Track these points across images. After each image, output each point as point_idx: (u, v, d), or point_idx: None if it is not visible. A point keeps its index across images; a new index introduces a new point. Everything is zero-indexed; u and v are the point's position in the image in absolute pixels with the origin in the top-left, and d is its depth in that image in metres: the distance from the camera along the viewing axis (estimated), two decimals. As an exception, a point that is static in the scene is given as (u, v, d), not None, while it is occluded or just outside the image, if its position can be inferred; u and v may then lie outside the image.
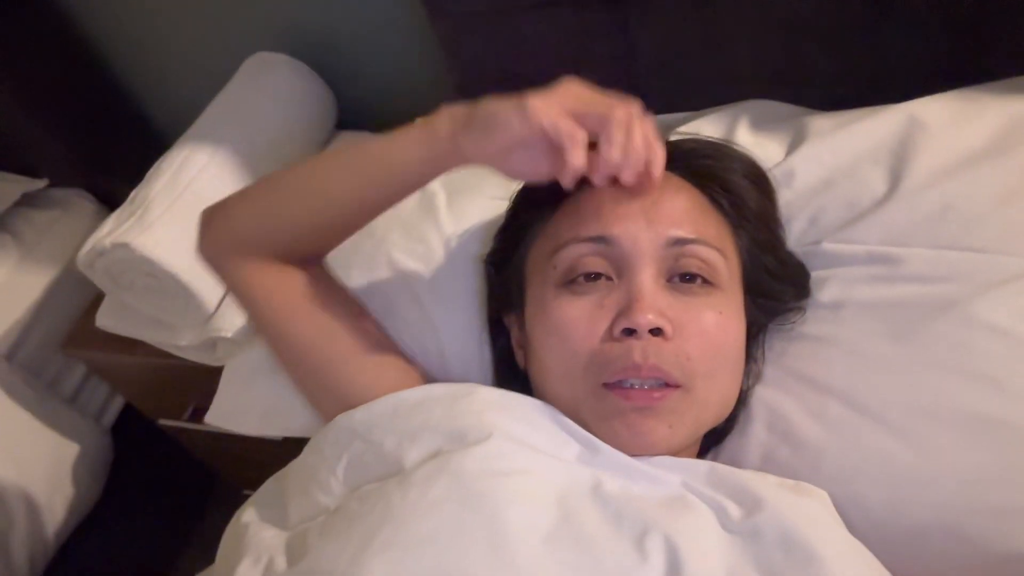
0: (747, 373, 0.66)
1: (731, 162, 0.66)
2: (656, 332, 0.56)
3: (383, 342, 0.73)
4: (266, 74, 1.15)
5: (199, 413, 1.22)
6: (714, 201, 0.64)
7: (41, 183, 1.38)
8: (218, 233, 0.69)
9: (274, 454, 0.85)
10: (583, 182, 0.59)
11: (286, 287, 0.69)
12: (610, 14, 0.88)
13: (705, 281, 0.59)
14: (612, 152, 0.53)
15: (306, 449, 0.65)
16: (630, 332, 0.56)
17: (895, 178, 0.68)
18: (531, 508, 0.50)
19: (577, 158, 0.53)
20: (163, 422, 1.26)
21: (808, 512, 0.54)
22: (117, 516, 1.42)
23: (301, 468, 0.64)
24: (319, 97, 1.17)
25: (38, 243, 1.38)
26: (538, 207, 0.67)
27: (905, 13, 0.78)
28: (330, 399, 0.67)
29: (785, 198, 0.71)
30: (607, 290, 0.59)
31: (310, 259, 0.71)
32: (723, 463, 0.63)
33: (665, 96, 0.87)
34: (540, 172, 0.57)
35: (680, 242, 0.59)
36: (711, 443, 0.67)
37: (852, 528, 0.56)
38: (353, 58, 1.18)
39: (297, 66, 1.15)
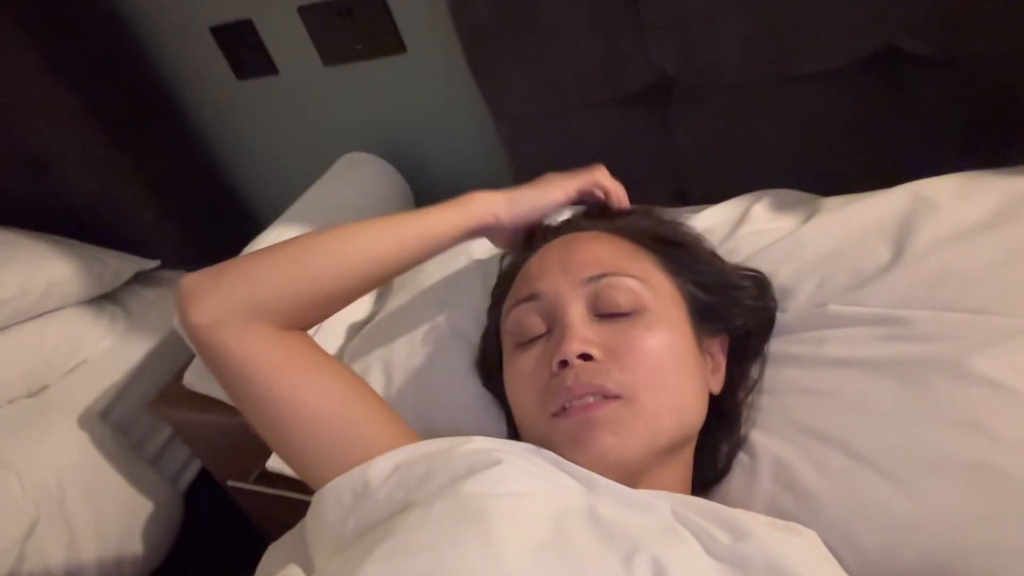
0: (736, 389, 0.71)
1: (652, 213, 0.78)
2: (585, 358, 0.62)
3: (380, 401, 0.71)
4: (353, 169, 1.30)
5: (264, 476, 1.29)
6: (632, 240, 0.72)
7: (153, 263, 1.56)
8: (230, 300, 0.66)
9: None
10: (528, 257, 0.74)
11: (294, 353, 0.68)
12: (653, 114, 0.98)
13: (629, 308, 0.65)
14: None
15: (309, 514, 0.65)
16: (564, 364, 0.62)
17: (899, 247, 0.72)
18: (525, 524, 0.52)
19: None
20: (231, 483, 1.34)
21: (797, 547, 0.56)
22: (179, 577, 1.48)
23: (309, 532, 0.65)
24: (396, 190, 1.31)
25: (143, 316, 1.55)
26: (507, 282, 0.76)
27: (923, 112, 0.84)
28: (329, 459, 0.64)
29: (795, 264, 0.77)
30: (547, 341, 0.66)
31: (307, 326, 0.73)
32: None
33: (705, 187, 0.95)
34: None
35: (593, 279, 0.66)
36: (709, 481, 0.70)
37: (846, 570, 0.57)
38: (427, 156, 1.32)
39: (380, 163, 1.30)
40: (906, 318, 0.67)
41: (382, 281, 0.75)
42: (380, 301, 1.15)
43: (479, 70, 1.01)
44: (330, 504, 0.62)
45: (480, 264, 0.97)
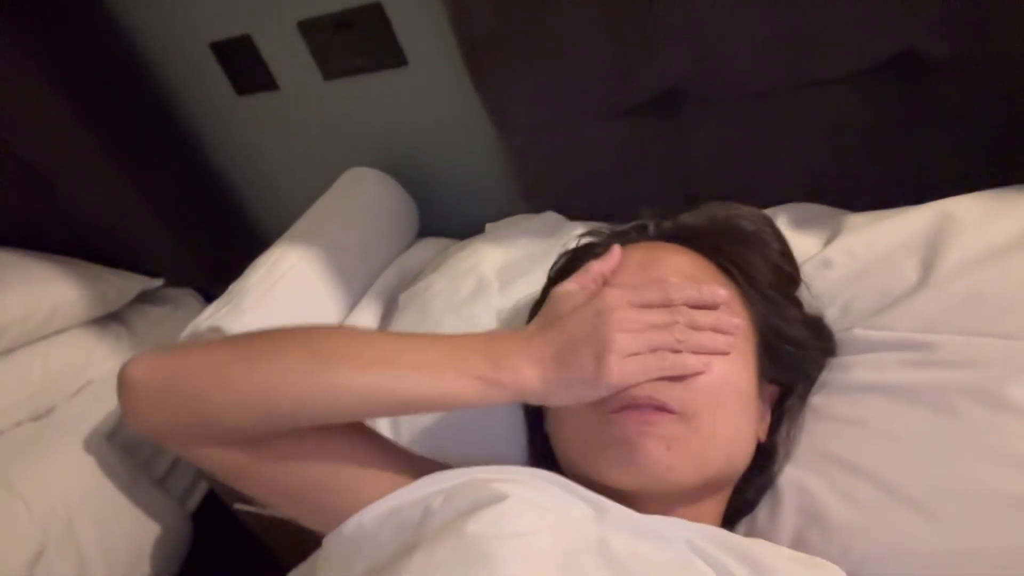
0: (777, 445, 0.67)
1: (745, 240, 0.71)
2: None
3: (369, 443, 0.66)
4: (357, 186, 1.28)
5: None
6: (724, 271, 0.69)
7: (158, 282, 1.55)
8: (175, 423, 0.59)
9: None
10: (600, 255, 0.69)
11: (255, 451, 0.61)
12: (664, 123, 0.95)
13: None
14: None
15: (320, 559, 0.62)
16: None
17: (927, 268, 0.69)
18: (533, 565, 0.50)
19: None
20: (238, 506, 1.32)
21: None
22: (188, 601, 1.47)
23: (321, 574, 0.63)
24: (402, 206, 1.29)
25: (149, 335, 1.53)
26: (564, 276, 0.72)
27: (941, 116, 0.81)
28: (335, 519, 0.61)
29: (819, 287, 0.74)
30: None
31: None
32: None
33: (718, 197, 0.92)
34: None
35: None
36: (736, 514, 0.67)
37: (880, 611, 0.55)
38: (432, 170, 1.30)
39: (384, 179, 1.27)
40: (935, 343, 0.65)
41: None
42: (386, 319, 1.13)
43: (482, 83, 0.99)
44: (334, 551, 0.60)
45: (490, 282, 0.95)
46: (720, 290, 0.61)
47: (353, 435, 0.64)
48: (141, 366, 0.59)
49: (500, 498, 0.54)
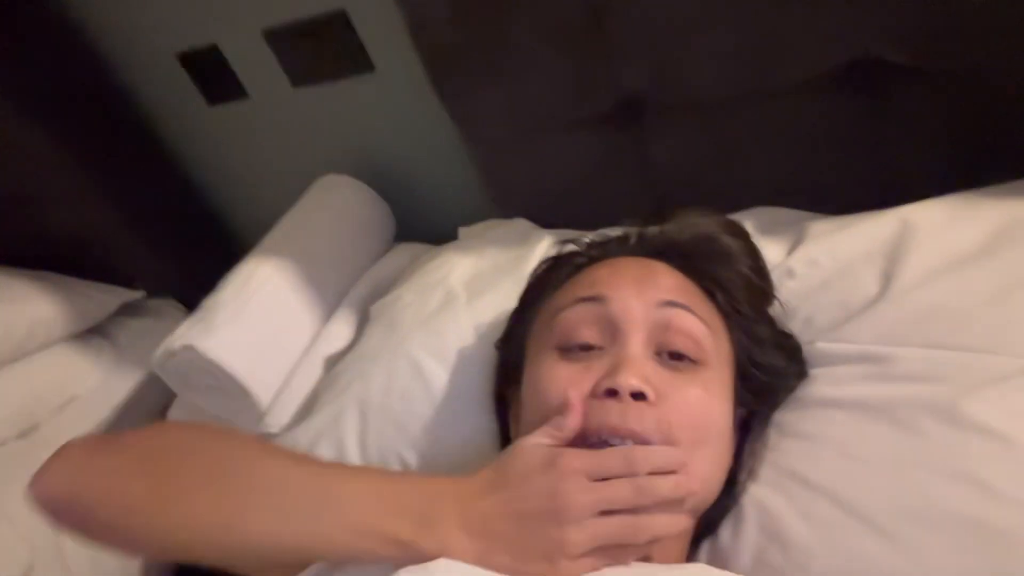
0: (741, 466, 0.66)
1: (726, 259, 0.69)
2: (638, 396, 0.56)
3: None
4: (331, 193, 1.26)
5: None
6: (707, 293, 0.67)
7: (138, 294, 1.54)
8: (93, 529, 0.56)
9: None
10: (583, 265, 0.69)
11: None
12: (628, 133, 0.94)
13: (692, 360, 0.61)
14: None
15: None
16: (612, 393, 0.56)
17: (887, 279, 0.68)
18: None
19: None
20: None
21: None
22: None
23: None
24: (376, 212, 1.28)
25: (131, 347, 1.52)
26: (544, 286, 0.72)
27: (905, 122, 0.80)
28: None
29: (782, 298, 0.73)
30: (597, 357, 0.61)
31: None
32: (716, 563, 0.63)
33: (685, 205, 0.91)
34: None
35: (669, 304, 0.61)
36: (700, 535, 0.66)
37: (838, 633, 0.54)
38: (404, 175, 1.29)
39: (358, 186, 1.26)
40: (893, 356, 0.64)
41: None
42: (359, 330, 1.13)
43: (444, 93, 0.98)
44: None
45: (457, 295, 0.94)
46: (678, 455, 0.55)
47: None
48: (43, 487, 0.55)
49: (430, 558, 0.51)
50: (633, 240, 0.74)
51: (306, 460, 0.61)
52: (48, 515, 0.56)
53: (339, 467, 0.64)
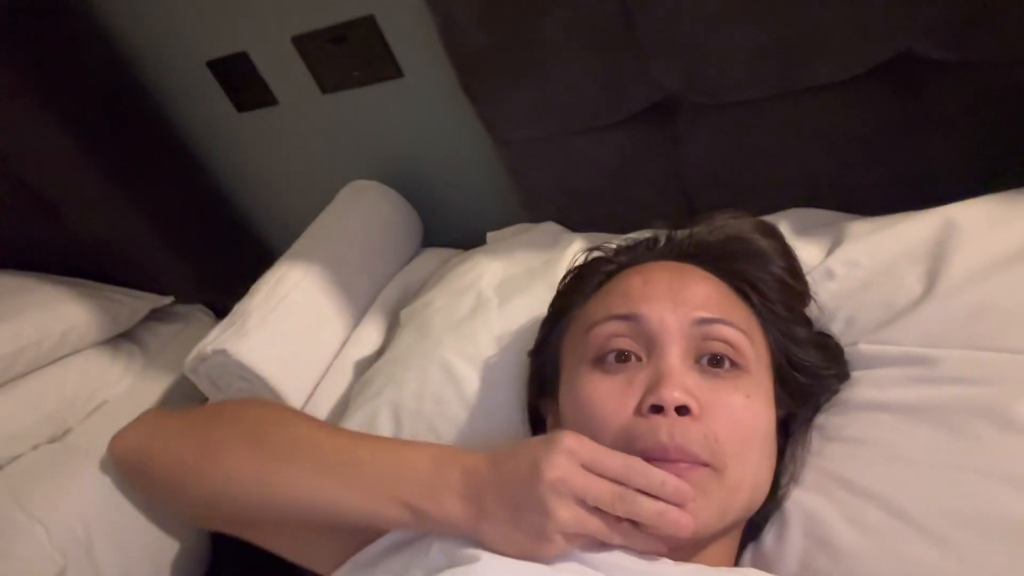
0: (783, 471, 0.65)
1: (759, 260, 0.68)
2: (683, 411, 0.56)
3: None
4: (360, 199, 1.27)
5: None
6: (741, 293, 0.66)
7: (167, 300, 1.55)
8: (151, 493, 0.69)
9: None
10: (613, 272, 0.68)
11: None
12: (659, 132, 0.93)
13: (732, 364, 0.60)
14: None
15: None
16: (658, 409, 0.56)
17: (931, 279, 0.67)
18: None
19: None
20: (255, 523, 1.33)
21: None
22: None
23: None
24: (406, 219, 1.28)
25: (161, 353, 1.54)
26: (574, 295, 0.71)
27: (940, 119, 0.79)
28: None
29: (822, 299, 0.72)
30: (636, 370, 0.60)
31: None
32: (761, 568, 0.62)
33: (716, 205, 0.90)
34: None
35: (705, 322, 0.61)
36: (743, 540, 0.65)
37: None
38: (432, 180, 1.29)
39: (386, 191, 1.27)
40: (940, 358, 0.63)
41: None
42: (389, 334, 1.13)
43: (474, 96, 0.97)
44: None
45: (489, 299, 0.94)
46: (687, 489, 0.54)
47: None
48: (118, 445, 0.67)
49: (472, 559, 0.52)
50: (663, 243, 0.73)
51: (337, 429, 0.68)
52: (121, 471, 0.69)
53: (367, 436, 0.66)
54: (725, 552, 0.62)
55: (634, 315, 0.62)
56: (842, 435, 0.65)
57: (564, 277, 0.77)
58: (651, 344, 0.61)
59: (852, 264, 0.73)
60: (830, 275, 0.74)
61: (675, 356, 0.59)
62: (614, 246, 0.76)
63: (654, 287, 0.64)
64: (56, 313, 1.42)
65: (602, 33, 0.84)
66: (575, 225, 1.05)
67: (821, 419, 0.67)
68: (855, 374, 0.67)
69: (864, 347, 0.68)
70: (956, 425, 0.59)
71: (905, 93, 0.79)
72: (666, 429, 0.56)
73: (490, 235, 1.16)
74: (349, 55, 1.18)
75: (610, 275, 0.71)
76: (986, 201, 0.70)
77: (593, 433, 0.59)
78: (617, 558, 0.54)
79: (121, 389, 1.48)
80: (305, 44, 1.19)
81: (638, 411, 0.58)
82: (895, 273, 0.70)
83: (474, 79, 0.95)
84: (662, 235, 0.74)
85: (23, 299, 1.43)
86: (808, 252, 0.78)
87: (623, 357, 0.61)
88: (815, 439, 0.67)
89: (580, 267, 0.76)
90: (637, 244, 0.75)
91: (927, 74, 0.76)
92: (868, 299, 0.70)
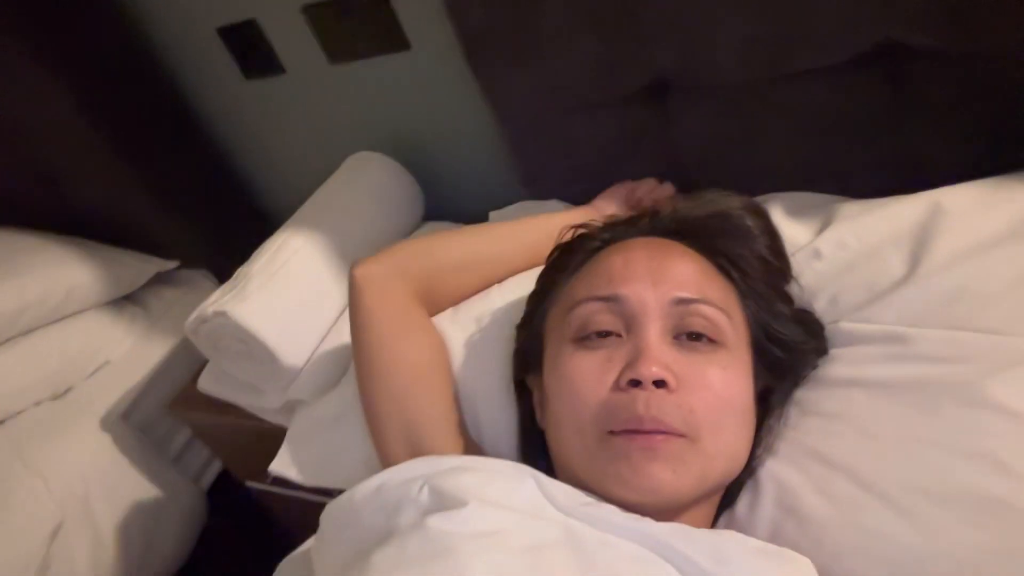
0: (759, 441, 0.67)
1: (741, 237, 0.70)
2: (660, 384, 0.58)
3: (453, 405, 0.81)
4: (363, 170, 1.28)
5: (280, 478, 1.31)
6: (721, 269, 0.68)
7: (172, 264, 1.58)
8: (398, 263, 0.84)
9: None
10: (597, 250, 0.69)
11: (409, 319, 0.82)
12: (654, 114, 0.94)
13: (710, 340, 0.62)
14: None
15: (316, 536, 0.66)
16: (636, 383, 0.58)
17: (914, 261, 0.69)
18: (499, 558, 0.51)
19: None
20: (250, 484, 1.36)
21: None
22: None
23: (314, 553, 0.66)
24: (407, 190, 1.29)
25: (163, 316, 1.56)
26: (559, 272, 0.72)
27: (928, 107, 0.80)
28: (400, 436, 0.76)
29: (809, 278, 0.74)
30: (616, 346, 0.62)
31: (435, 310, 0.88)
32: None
33: (710, 186, 0.91)
34: None
35: (684, 302, 0.62)
36: (721, 508, 0.67)
37: (849, 605, 0.55)
38: (435, 154, 1.31)
39: (390, 163, 1.28)
40: (917, 336, 0.64)
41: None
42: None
43: (479, 72, 0.99)
44: (326, 526, 0.62)
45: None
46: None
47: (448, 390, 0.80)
48: (355, 270, 0.84)
49: (460, 504, 0.54)
50: (646, 220, 0.74)
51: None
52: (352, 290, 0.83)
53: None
54: (703, 516, 0.64)
55: (614, 296, 0.64)
56: (818, 409, 0.67)
57: (551, 253, 0.78)
58: (631, 322, 0.63)
59: (840, 245, 0.74)
60: (817, 255, 0.75)
61: (653, 333, 0.61)
62: (598, 224, 0.77)
63: (635, 267, 0.65)
64: (61, 272, 1.45)
65: (601, 14, 0.85)
66: (576, 203, 1.06)
67: (799, 394, 0.69)
68: (834, 351, 0.69)
69: (845, 325, 0.69)
70: (927, 402, 0.61)
71: (894, 81, 0.80)
72: (643, 401, 0.58)
73: (492, 214, 1.17)
74: (357, 26, 1.19)
75: (593, 252, 0.72)
76: (974, 186, 0.72)
77: (575, 407, 0.62)
78: (606, 513, 0.56)
79: (123, 350, 1.51)
80: (314, 13, 1.20)
81: (616, 386, 0.60)
82: (880, 255, 0.71)
83: (479, 55, 0.97)
84: (646, 211, 0.75)
85: (29, 257, 1.46)
86: (798, 232, 0.79)
87: (603, 334, 0.63)
88: (792, 413, 0.68)
89: (565, 244, 0.77)
90: (621, 221, 0.76)
91: (913, 63, 0.77)
92: (853, 279, 0.72)
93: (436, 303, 0.87)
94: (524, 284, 0.88)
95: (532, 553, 0.51)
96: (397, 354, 0.79)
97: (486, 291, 0.92)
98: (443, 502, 0.55)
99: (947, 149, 0.81)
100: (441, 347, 0.84)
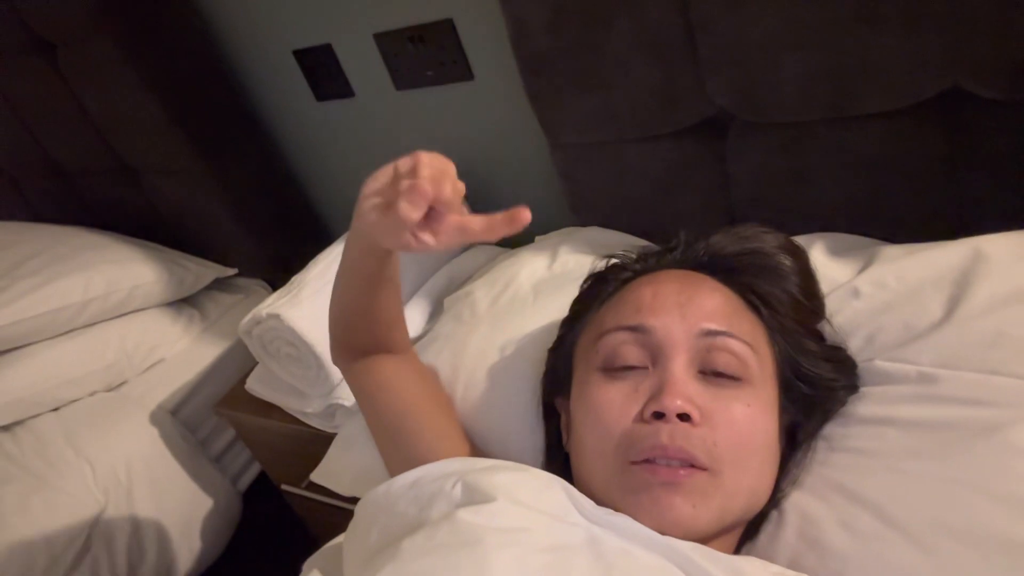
0: (785, 474, 0.67)
1: (773, 275, 0.70)
2: (684, 418, 0.59)
3: (449, 417, 0.84)
4: (419, 192, 1.33)
5: (315, 484, 1.34)
6: (750, 304, 0.68)
7: (232, 271, 1.64)
8: (332, 342, 0.87)
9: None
10: (628, 280, 0.70)
11: (378, 371, 0.83)
12: (708, 147, 0.96)
13: (735, 375, 0.63)
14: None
15: (349, 525, 0.68)
16: (659, 415, 0.60)
17: (953, 304, 0.69)
18: (521, 553, 0.52)
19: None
20: (285, 487, 1.39)
21: None
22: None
23: (346, 542, 0.68)
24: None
25: (219, 320, 1.62)
26: (590, 300, 0.75)
27: (984, 156, 0.80)
28: (402, 462, 0.76)
29: (846, 316, 0.74)
30: (642, 378, 0.63)
31: (393, 349, 0.85)
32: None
33: (758, 223, 0.93)
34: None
35: (711, 334, 0.63)
36: (743, 539, 0.68)
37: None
38: (492, 184, 1.35)
39: (445, 187, 1.32)
40: (952, 378, 0.65)
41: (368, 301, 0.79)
42: (432, 319, 1.18)
43: (537, 98, 1.02)
44: (360, 515, 0.65)
45: (526, 295, 0.98)
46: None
47: (447, 409, 0.85)
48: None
49: (489, 499, 0.56)
50: (678, 252, 0.75)
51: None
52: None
53: None
54: (724, 547, 0.64)
55: (642, 327, 0.65)
56: (847, 445, 0.67)
57: (584, 281, 0.80)
58: (657, 353, 0.64)
59: (879, 285, 0.75)
60: (856, 294, 0.76)
61: (679, 366, 0.62)
62: (633, 254, 0.78)
63: (663, 299, 0.66)
64: (127, 271, 1.52)
65: (662, 47, 0.88)
66: (620, 231, 1.09)
67: (828, 430, 0.69)
68: (867, 389, 0.69)
69: (880, 364, 0.69)
70: (958, 443, 0.61)
71: (953, 129, 0.81)
72: (667, 433, 0.59)
73: (538, 238, 1.20)
74: (425, 55, 1.25)
75: (625, 282, 0.73)
76: (1016, 235, 0.72)
77: (598, 436, 0.63)
78: (630, 524, 0.57)
79: (178, 349, 1.57)
80: (385, 41, 1.26)
81: (640, 417, 0.61)
82: (919, 297, 0.72)
83: (538, 82, 1.01)
84: (679, 243, 0.76)
85: (98, 254, 1.54)
86: (838, 270, 0.80)
87: (630, 366, 0.65)
88: (821, 448, 0.69)
89: (598, 273, 0.79)
90: (653, 252, 0.77)
91: (976, 111, 0.78)
92: (890, 319, 0.72)
93: (376, 342, 0.84)
94: (558, 308, 0.91)
95: (553, 553, 0.53)
96: (380, 405, 0.83)
97: (520, 309, 0.94)
98: (474, 497, 0.57)
99: (1001, 200, 0.81)
100: (417, 378, 0.86)
